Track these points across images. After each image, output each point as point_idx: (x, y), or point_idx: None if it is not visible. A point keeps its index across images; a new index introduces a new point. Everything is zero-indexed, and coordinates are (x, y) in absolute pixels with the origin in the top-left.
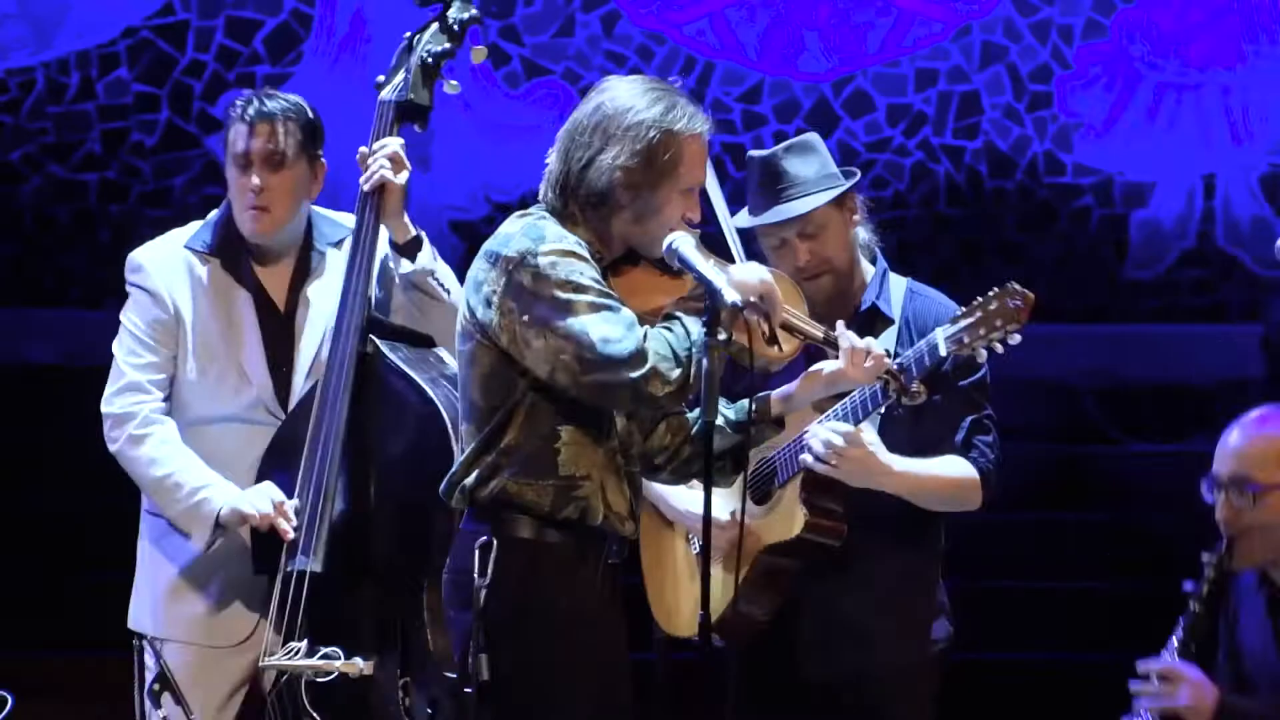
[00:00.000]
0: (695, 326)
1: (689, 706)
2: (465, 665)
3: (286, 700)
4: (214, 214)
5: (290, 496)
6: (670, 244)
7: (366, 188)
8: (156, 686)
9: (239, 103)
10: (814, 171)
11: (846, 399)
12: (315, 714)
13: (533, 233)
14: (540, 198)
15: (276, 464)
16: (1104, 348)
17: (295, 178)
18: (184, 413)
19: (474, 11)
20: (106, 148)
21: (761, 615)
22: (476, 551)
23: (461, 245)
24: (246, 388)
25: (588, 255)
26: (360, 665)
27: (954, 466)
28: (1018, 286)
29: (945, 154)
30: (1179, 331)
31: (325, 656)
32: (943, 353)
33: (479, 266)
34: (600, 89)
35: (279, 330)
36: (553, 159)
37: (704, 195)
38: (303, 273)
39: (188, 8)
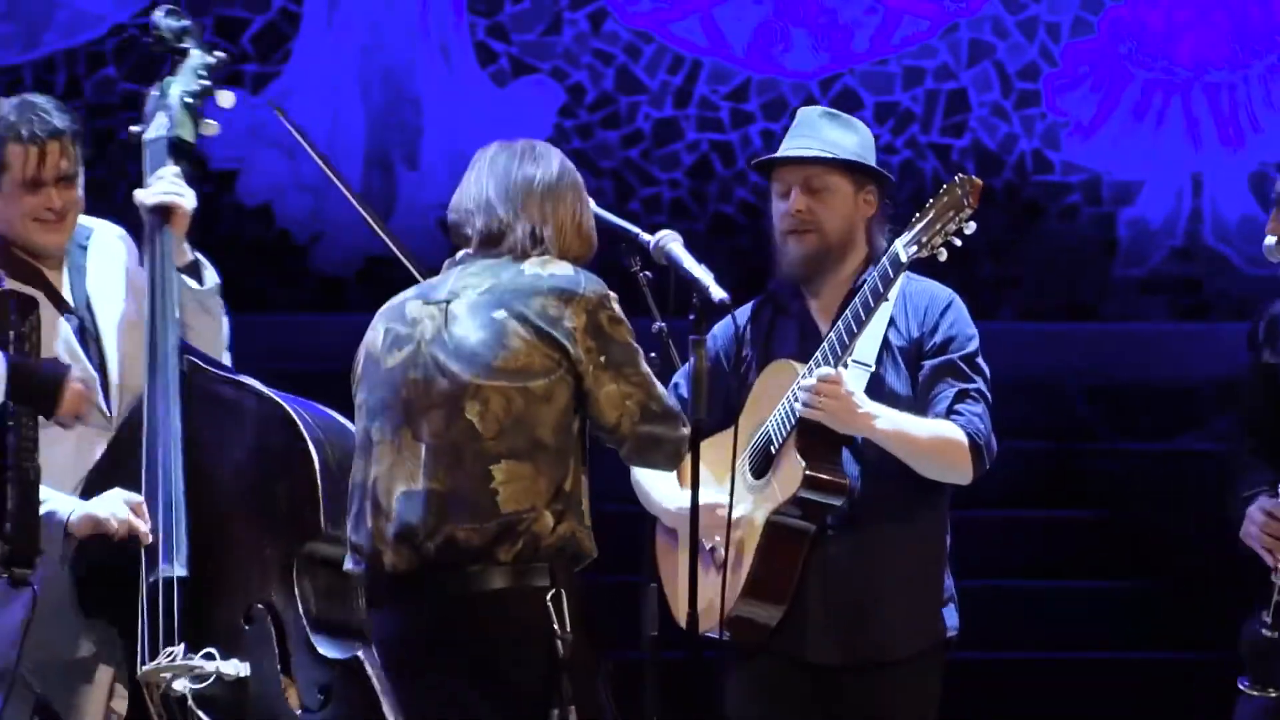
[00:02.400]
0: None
1: (680, 706)
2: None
3: (174, 707)
4: None
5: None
6: (658, 242)
7: (150, 203)
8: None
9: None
10: (849, 143)
11: (823, 343)
12: (201, 713)
13: (594, 277)
14: (526, 250)
15: (112, 477)
16: (1092, 346)
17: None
18: None
19: (216, 57)
20: (93, 146)
21: (779, 594)
22: (550, 605)
23: (448, 244)
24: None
25: None
26: (238, 666)
27: (940, 426)
28: (962, 176)
29: (932, 152)
30: (1167, 329)
31: (204, 658)
32: (904, 259)
33: (546, 302)
34: (477, 163)
35: (80, 325)
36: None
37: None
38: (74, 268)
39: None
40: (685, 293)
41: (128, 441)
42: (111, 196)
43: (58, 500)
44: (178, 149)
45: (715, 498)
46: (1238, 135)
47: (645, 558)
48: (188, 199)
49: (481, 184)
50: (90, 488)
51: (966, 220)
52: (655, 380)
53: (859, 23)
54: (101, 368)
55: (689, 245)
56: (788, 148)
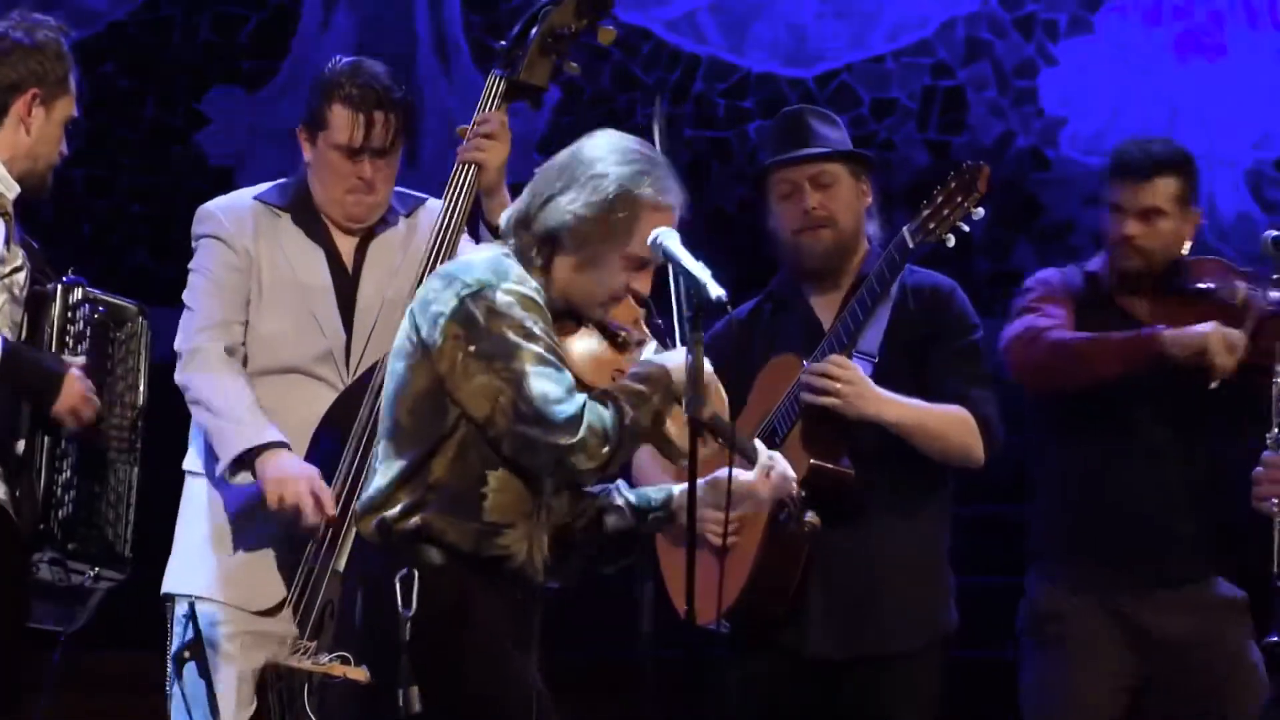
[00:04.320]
0: (628, 409)
1: (679, 702)
2: (389, 696)
3: (285, 696)
4: (284, 180)
5: (335, 466)
6: (655, 238)
7: (461, 161)
8: (187, 654)
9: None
10: (839, 137)
11: (830, 333)
12: (312, 714)
13: (497, 266)
14: (502, 235)
15: (330, 431)
16: None
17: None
18: (251, 362)
19: None
20: (90, 143)
21: (782, 587)
22: (398, 584)
23: None
24: (318, 339)
25: (543, 305)
26: (366, 674)
27: (950, 410)
28: (969, 163)
29: (930, 149)
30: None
31: (336, 659)
32: (910, 245)
33: (432, 285)
34: (587, 136)
35: (347, 289)
36: (521, 197)
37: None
38: (370, 237)
39: (173, 3)
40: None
41: (358, 395)
42: (110, 193)
43: (253, 428)
44: (519, 89)
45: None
46: (1234, 132)
47: (640, 556)
48: (494, 155)
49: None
50: (313, 437)
51: (975, 207)
52: (537, 380)
53: (857, 20)
54: (349, 333)
55: (686, 242)
56: (791, 149)
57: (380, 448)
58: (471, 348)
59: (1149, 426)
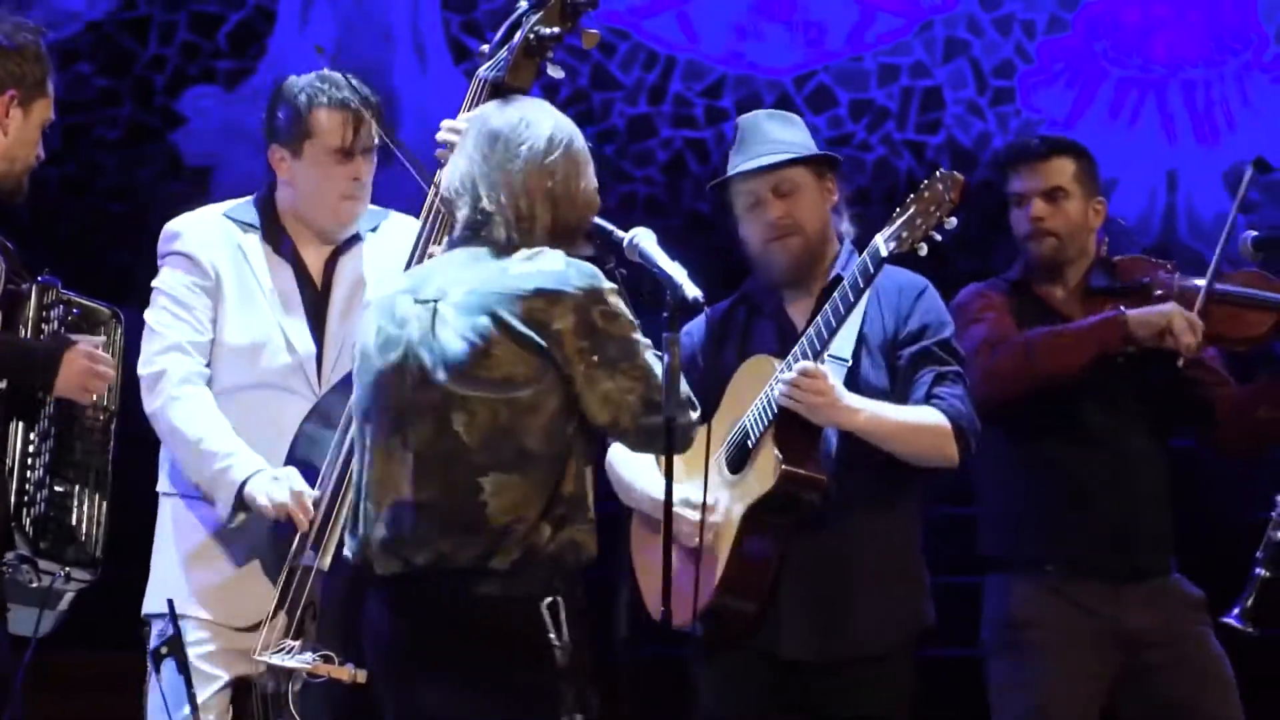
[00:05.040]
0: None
1: (653, 703)
2: None
3: (270, 695)
4: (252, 196)
5: (316, 474)
6: (631, 239)
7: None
8: (164, 649)
9: (325, 87)
10: (797, 139)
11: (802, 338)
12: (296, 713)
13: (587, 270)
14: (512, 242)
15: (309, 439)
16: None
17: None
18: (222, 379)
19: None
20: (67, 142)
21: (755, 589)
22: (545, 613)
23: None
24: (288, 353)
25: None
26: (353, 672)
27: (921, 412)
28: (944, 171)
29: (907, 149)
30: None
31: (320, 658)
32: (884, 253)
33: (531, 306)
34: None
35: (317, 302)
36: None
37: None
38: (339, 252)
39: (150, 2)
40: (658, 290)
41: (339, 403)
42: (86, 193)
43: (241, 459)
44: (502, 91)
45: (692, 494)
46: (1213, 132)
47: (617, 558)
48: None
49: (470, 161)
50: (291, 448)
51: (948, 216)
52: (656, 369)
53: (834, 20)
54: (320, 344)
55: (663, 242)
56: (747, 160)
57: (497, 480)
58: (595, 357)
59: (1100, 421)
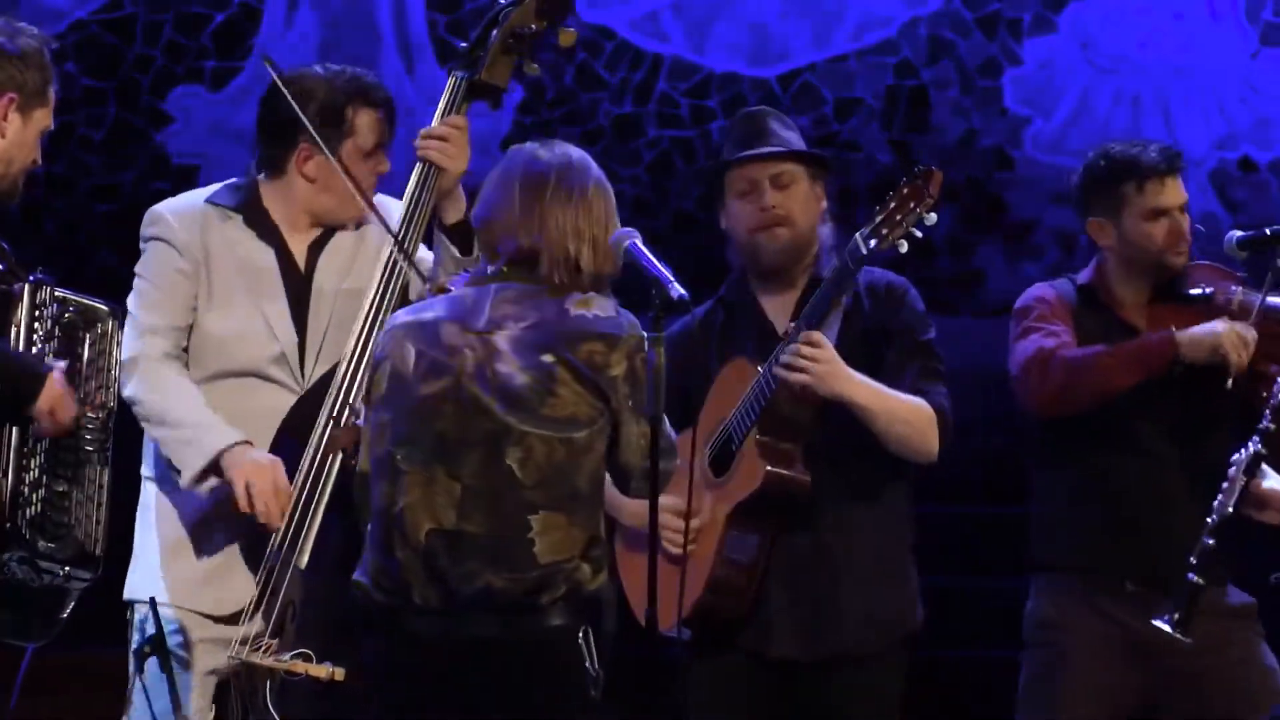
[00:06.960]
0: None
1: (640, 706)
2: None
3: (247, 693)
4: (235, 181)
5: (295, 470)
6: (617, 239)
7: (422, 159)
8: (148, 649)
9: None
10: (796, 139)
11: (779, 345)
12: (274, 711)
13: (633, 318)
14: (563, 283)
15: (288, 440)
16: None
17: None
18: (203, 366)
19: None
20: (53, 142)
21: (740, 591)
22: (582, 643)
23: None
24: (270, 341)
25: None
26: (330, 669)
27: (912, 399)
28: (923, 167)
29: (894, 149)
30: None
31: (297, 656)
32: (864, 251)
33: (593, 349)
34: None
35: (300, 290)
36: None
37: None
38: (323, 239)
39: (136, 2)
40: (644, 290)
41: (311, 403)
42: (72, 192)
43: (217, 431)
44: (480, 90)
45: (675, 498)
46: (1198, 131)
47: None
48: (453, 160)
49: (511, 196)
50: (274, 441)
51: (928, 212)
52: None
53: (820, 19)
54: (302, 332)
55: (650, 242)
56: (752, 148)
57: (539, 519)
58: (631, 403)
59: (1151, 435)
